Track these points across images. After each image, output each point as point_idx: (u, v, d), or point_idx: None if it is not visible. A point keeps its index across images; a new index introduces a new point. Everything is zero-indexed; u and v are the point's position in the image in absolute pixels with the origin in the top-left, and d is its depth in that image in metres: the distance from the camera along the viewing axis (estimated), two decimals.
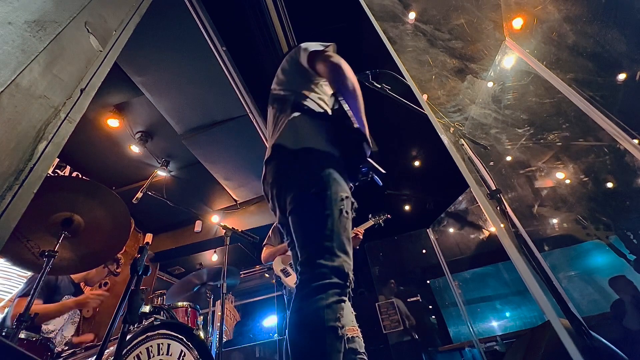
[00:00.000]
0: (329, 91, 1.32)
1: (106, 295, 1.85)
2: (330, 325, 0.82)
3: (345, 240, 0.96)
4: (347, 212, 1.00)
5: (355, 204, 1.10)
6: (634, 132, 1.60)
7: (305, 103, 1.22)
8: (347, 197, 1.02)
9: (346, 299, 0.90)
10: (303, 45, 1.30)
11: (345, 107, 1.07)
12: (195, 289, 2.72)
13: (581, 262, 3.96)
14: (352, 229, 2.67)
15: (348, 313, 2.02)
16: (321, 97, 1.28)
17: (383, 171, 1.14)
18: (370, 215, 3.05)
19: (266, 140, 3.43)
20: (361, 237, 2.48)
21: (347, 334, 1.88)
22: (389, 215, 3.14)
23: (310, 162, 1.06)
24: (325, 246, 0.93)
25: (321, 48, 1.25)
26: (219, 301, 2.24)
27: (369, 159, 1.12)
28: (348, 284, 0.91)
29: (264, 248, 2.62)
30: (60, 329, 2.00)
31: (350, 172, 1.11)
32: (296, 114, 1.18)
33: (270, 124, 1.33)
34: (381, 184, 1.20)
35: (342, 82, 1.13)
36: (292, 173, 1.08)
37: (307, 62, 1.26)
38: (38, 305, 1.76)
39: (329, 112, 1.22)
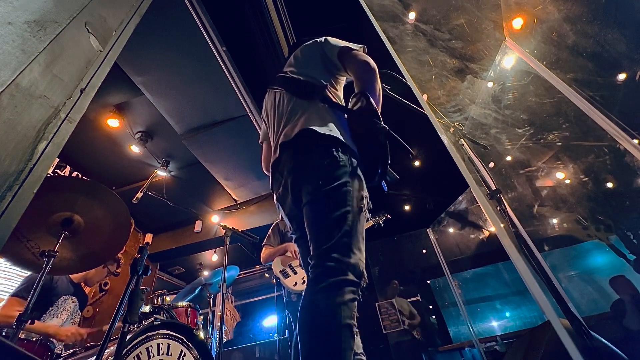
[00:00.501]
0: (341, 92, 1.31)
1: (83, 336, 1.83)
2: (346, 323, 0.81)
3: (361, 238, 0.95)
4: (366, 212, 1.00)
5: (371, 205, 1.07)
6: (634, 132, 1.60)
7: (330, 95, 1.19)
8: (366, 196, 1.02)
9: (359, 298, 0.89)
10: (330, 38, 1.27)
11: (374, 104, 1.04)
12: (197, 291, 2.73)
13: (581, 262, 3.96)
14: None
15: None
16: (340, 94, 1.27)
17: (397, 177, 1.12)
18: (369, 216, 3.05)
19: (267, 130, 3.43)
20: None
21: None
22: (388, 215, 3.13)
23: (338, 154, 1.01)
24: (344, 242, 0.91)
25: (355, 46, 1.23)
26: (219, 299, 2.25)
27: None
28: (362, 282, 0.89)
29: (264, 248, 2.62)
30: None
31: (368, 172, 1.08)
32: (321, 103, 1.14)
33: (279, 106, 1.26)
34: (387, 189, 1.18)
35: (373, 84, 1.12)
36: (318, 162, 1.02)
37: (338, 55, 1.23)
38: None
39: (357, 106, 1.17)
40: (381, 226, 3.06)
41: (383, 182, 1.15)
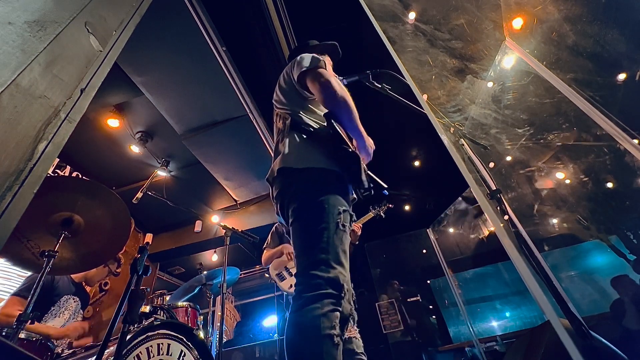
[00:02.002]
0: (323, 109, 1.34)
1: (85, 329, 1.84)
2: (326, 333, 0.84)
3: (341, 252, 1.00)
4: (343, 225, 1.04)
5: (354, 217, 1.16)
6: (634, 132, 1.60)
7: (303, 122, 1.25)
8: (344, 211, 1.06)
9: (341, 309, 0.92)
10: (298, 58, 1.32)
11: (337, 129, 1.13)
12: (196, 290, 2.72)
13: (581, 262, 3.95)
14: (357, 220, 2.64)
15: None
16: (317, 116, 1.31)
17: (385, 185, 1.19)
18: (370, 207, 3.01)
19: (267, 139, 3.44)
20: (359, 232, 2.46)
21: (345, 335, 1.88)
22: (390, 205, 3.07)
23: (309, 181, 1.11)
24: (321, 258, 0.96)
25: (311, 66, 1.25)
26: (219, 299, 2.24)
27: (370, 175, 1.16)
28: (343, 294, 0.93)
29: (264, 251, 2.63)
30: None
31: (353, 186, 1.16)
32: (296, 135, 1.22)
33: (274, 138, 1.38)
34: (387, 193, 1.22)
35: (332, 101, 1.17)
36: (292, 190, 1.12)
37: (298, 81, 1.29)
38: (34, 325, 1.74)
39: (325, 130, 1.25)
40: (382, 217, 3.01)
41: (379, 189, 1.22)
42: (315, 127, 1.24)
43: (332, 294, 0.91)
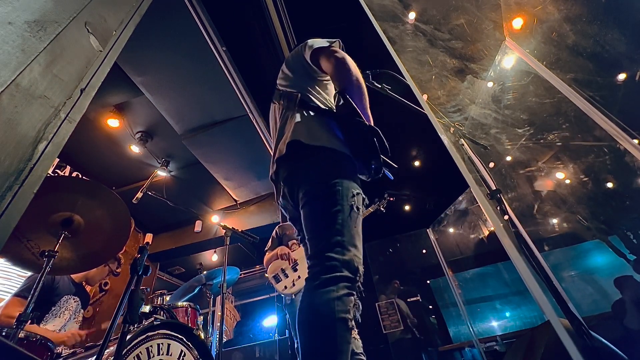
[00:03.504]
0: (333, 90, 1.32)
1: (82, 337, 1.83)
2: (340, 317, 0.83)
3: (355, 234, 0.98)
4: (357, 208, 1.02)
5: (366, 200, 1.12)
6: (634, 132, 1.60)
7: (313, 101, 1.23)
8: (358, 194, 1.05)
9: (355, 293, 0.91)
10: (309, 41, 1.30)
11: (352, 103, 1.07)
12: (196, 290, 2.72)
13: (581, 262, 3.95)
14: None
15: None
16: (327, 96, 1.29)
17: (395, 166, 1.14)
18: (363, 209, 3.00)
19: (267, 139, 3.43)
20: None
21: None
22: (391, 198, 3.06)
23: (323, 160, 1.07)
24: (336, 240, 0.94)
25: (326, 44, 1.25)
26: (219, 299, 2.24)
27: (381, 155, 1.11)
28: (358, 277, 0.92)
29: (266, 253, 2.64)
30: (63, 328, 2.00)
31: (362, 167, 1.13)
32: (305, 112, 1.18)
33: (276, 120, 1.33)
34: (392, 178, 1.20)
35: (347, 78, 1.13)
36: (305, 170, 1.09)
37: (311, 59, 1.26)
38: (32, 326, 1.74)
39: (334, 110, 1.21)
40: (383, 212, 2.99)
41: (387, 172, 1.17)
42: (323, 107, 1.21)
43: (347, 277, 0.89)
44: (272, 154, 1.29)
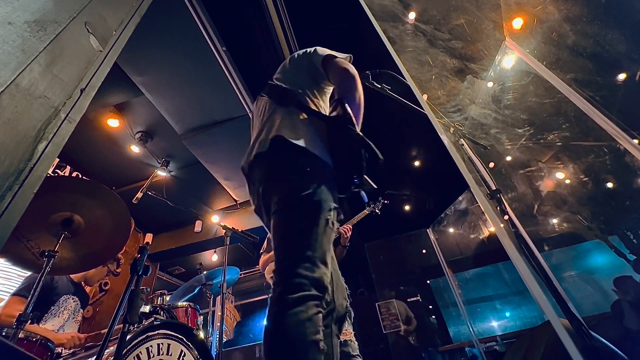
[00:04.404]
0: (328, 102, 1.30)
1: (82, 340, 1.82)
2: (312, 339, 0.79)
3: (327, 251, 0.93)
4: (332, 223, 0.97)
5: (342, 216, 1.05)
6: (634, 132, 1.60)
7: (308, 103, 1.19)
8: (335, 208, 0.99)
9: (324, 311, 0.87)
10: (320, 48, 1.28)
11: (350, 112, 1.02)
12: (196, 290, 2.73)
13: (581, 262, 3.95)
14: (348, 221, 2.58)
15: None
16: (322, 104, 1.26)
17: (375, 186, 1.09)
18: (365, 205, 2.98)
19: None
20: (349, 234, 2.41)
21: (340, 339, 1.87)
22: (386, 202, 3.05)
23: (305, 164, 1.01)
24: (307, 255, 0.88)
25: (341, 55, 1.23)
26: (219, 299, 2.24)
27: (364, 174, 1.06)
28: (325, 297, 0.87)
29: (261, 256, 2.62)
30: (61, 328, 2.00)
31: (342, 182, 1.05)
32: (298, 111, 1.13)
33: (262, 113, 1.26)
34: (366, 200, 1.17)
35: (352, 90, 1.11)
36: (285, 171, 1.03)
37: (322, 63, 1.22)
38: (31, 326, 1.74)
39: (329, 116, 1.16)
40: (378, 214, 2.97)
41: (362, 192, 1.13)
42: (316, 111, 1.16)
43: (316, 295, 0.84)
44: (250, 145, 1.22)
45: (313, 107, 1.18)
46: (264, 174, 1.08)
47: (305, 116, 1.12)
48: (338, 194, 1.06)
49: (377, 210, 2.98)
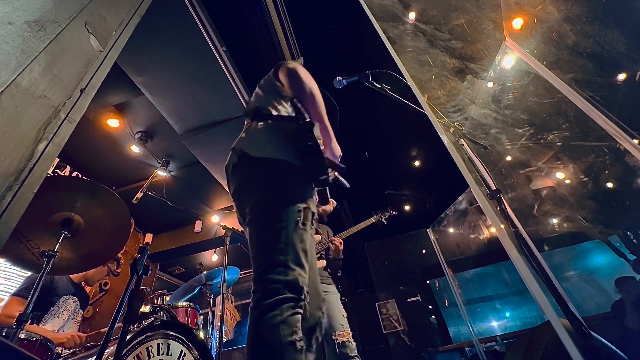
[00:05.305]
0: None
1: (82, 340, 1.82)
2: (288, 341, 0.81)
3: (301, 252, 0.95)
4: (303, 224, 0.99)
5: (316, 215, 1.08)
6: (634, 132, 1.60)
7: (270, 111, 1.22)
8: (305, 208, 1.01)
9: (302, 311, 0.89)
10: (282, 63, 1.34)
11: (301, 110, 1.09)
12: (196, 290, 2.72)
13: (581, 262, 3.96)
14: (339, 233, 2.56)
15: (338, 316, 2.01)
16: (289, 109, 1.29)
17: (342, 166, 1.13)
18: (372, 212, 3.00)
19: None
20: (341, 246, 2.35)
21: (337, 340, 1.87)
22: (394, 212, 3.07)
23: (269, 173, 1.04)
24: (279, 260, 0.91)
25: (290, 62, 1.28)
26: (219, 299, 2.24)
27: (332, 171, 1.10)
28: (302, 297, 0.90)
29: None
30: (61, 328, 2.00)
31: (313, 180, 1.09)
32: (260, 123, 1.17)
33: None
34: (348, 185, 1.20)
35: (299, 84, 1.16)
36: (251, 182, 1.06)
37: (274, 75, 1.30)
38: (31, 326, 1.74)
39: (288, 119, 1.21)
40: (384, 224, 2.99)
41: (341, 180, 1.17)
42: (277, 115, 1.21)
43: (291, 297, 0.87)
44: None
45: (274, 113, 1.22)
46: (234, 189, 1.13)
47: (262, 124, 1.15)
48: (315, 186, 1.09)
49: (384, 220, 2.98)
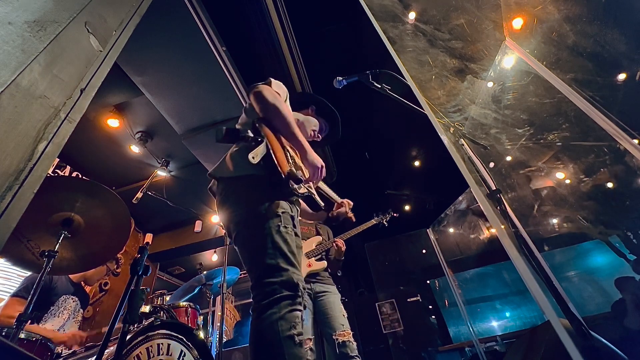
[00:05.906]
0: None
1: (83, 338, 1.82)
2: (286, 335, 0.85)
3: (289, 253, 0.99)
4: (285, 227, 1.04)
5: (296, 217, 1.14)
6: (634, 132, 1.60)
7: (244, 132, 1.24)
8: (283, 212, 1.06)
9: (301, 307, 0.93)
10: None
11: (260, 130, 1.15)
12: (196, 290, 2.72)
13: (581, 262, 3.96)
14: (340, 235, 2.56)
15: (339, 316, 2.01)
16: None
17: (322, 204, 1.23)
18: (374, 214, 3.00)
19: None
20: (343, 248, 2.35)
21: (338, 340, 1.87)
22: (395, 214, 3.07)
23: (240, 189, 1.12)
24: (270, 264, 0.96)
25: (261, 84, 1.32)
26: (219, 299, 2.24)
27: (306, 184, 1.18)
28: (299, 293, 0.94)
29: None
30: (62, 328, 2.00)
31: (278, 186, 1.12)
32: (235, 146, 1.25)
33: None
34: (322, 204, 1.26)
35: (262, 105, 1.20)
36: (227, 202, 1.13)
37: (249, 98, 1.32)
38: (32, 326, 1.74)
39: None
40: (385, 225, 3.00)
41: (316, 196, 1.26)
42: (250, 135, 1.25)
43: (288, 295, 0.92)
44: None
45: (249, 132, 1.25)
46: (217, 210, 1.21)
47: (241, 145, 1.22)
48: (285, 194, 1.14)
49: (385, 222, 2.98)
